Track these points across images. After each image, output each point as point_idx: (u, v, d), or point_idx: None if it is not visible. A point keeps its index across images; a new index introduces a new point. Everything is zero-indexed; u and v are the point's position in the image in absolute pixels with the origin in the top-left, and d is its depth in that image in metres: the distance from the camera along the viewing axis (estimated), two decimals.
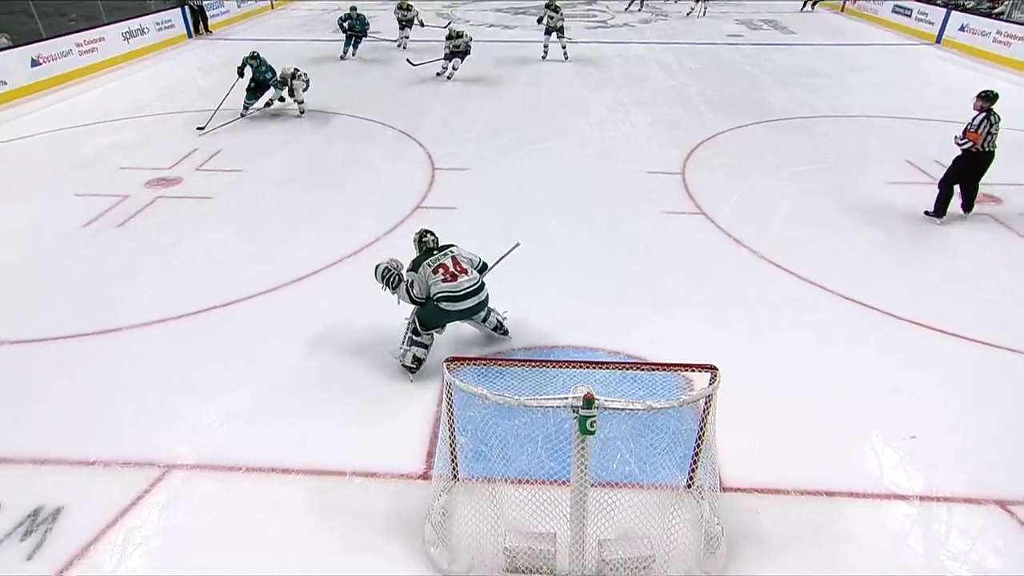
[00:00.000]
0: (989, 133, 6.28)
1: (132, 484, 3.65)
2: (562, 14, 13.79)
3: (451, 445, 3.44)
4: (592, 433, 2.69)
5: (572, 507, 2.90)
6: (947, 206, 6.71)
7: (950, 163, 6.68)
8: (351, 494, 3.62)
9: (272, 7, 21.76)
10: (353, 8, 13.96)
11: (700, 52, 15.47)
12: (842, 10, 21.47)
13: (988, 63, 14.07)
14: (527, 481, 3.38)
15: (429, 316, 4.42)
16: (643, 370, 3.42)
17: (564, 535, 3.03)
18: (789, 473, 3.73)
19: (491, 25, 19.18)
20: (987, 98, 6.28)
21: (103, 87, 12.36)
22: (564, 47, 14.08)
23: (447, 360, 3.14)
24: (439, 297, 4.32)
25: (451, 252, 4.49)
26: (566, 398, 2.69)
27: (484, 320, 4.69)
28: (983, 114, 6.28)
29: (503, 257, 4.90)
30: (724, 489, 3.57)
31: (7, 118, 10.40)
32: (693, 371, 3.16)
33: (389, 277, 4.51)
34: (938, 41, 16.13)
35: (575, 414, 2.68)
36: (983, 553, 3.31)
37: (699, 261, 6.14)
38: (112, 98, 11.54)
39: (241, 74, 10.02)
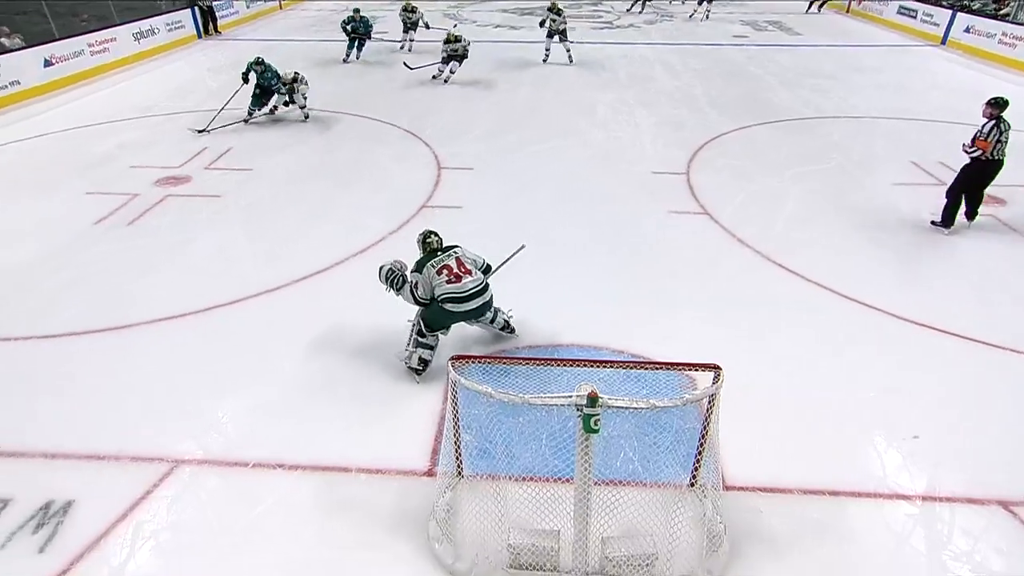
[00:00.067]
0: (999, 141, 6.11)
1: (141, 479, 3.70)
2: (564, 17, 13.68)
3: (456, 442, 3.46)
4: (596, 431, 2.71)
5: (576, 504, 2.91)
6: (955, 216, 6.58)
7: (958, 171, 6.54)
8: (357, 490, 3.65)
9: (280, 7, 21.82)
10: (356, 10, 13.88)
11: (705, 53, 15.47)
12: (847, 11, 21.41)
13: (993, 64, 14.03)
14: (531, 478, 3.39)
15: (434, 317, 4.43)
16: (647, 369, 3.43)
17: (568, 532, 3.04)
18: (792, 472, 3.75)
19: (497, 26, 19.20)
20: (997, 105, 6.12)
21: (114, 87, 12.44)
22: (568, 50, 13.93)
23: (452, 358, 3.16)
24: (443, 298, 4.32)
25: (455, 253, 4.49)
26: (570, 396, 2.70)
27: (492, 321, 4.71)
28: (993, 121, 6.11)
29: (508, 259, 4.92)
30: (727, 488, 3.58)
31: (20, 117, 10.48)
32: (696, 370, 3.16)
33: (393, 278, 4.51)
34: (943, 42, 16.08)
35: (579, 412, 2.69)
36: (985, 553, 3.31)
37: (703, 261, 6.15)
38: (122, 98, 11.61)
39: (246, 80, 9.93)
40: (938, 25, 16.45)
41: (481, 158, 8.76)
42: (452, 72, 12.37)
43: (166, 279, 5.86)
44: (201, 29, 16.82)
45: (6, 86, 10.97)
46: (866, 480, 3.74)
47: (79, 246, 6.45)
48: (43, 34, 12.18)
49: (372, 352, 4.79)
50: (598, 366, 3.33)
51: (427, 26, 14.61)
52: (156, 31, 15.00)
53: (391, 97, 11.70)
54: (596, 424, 2.69)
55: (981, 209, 6.65)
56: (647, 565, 3.06)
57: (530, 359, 3.41)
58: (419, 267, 4.42)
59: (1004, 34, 14.11)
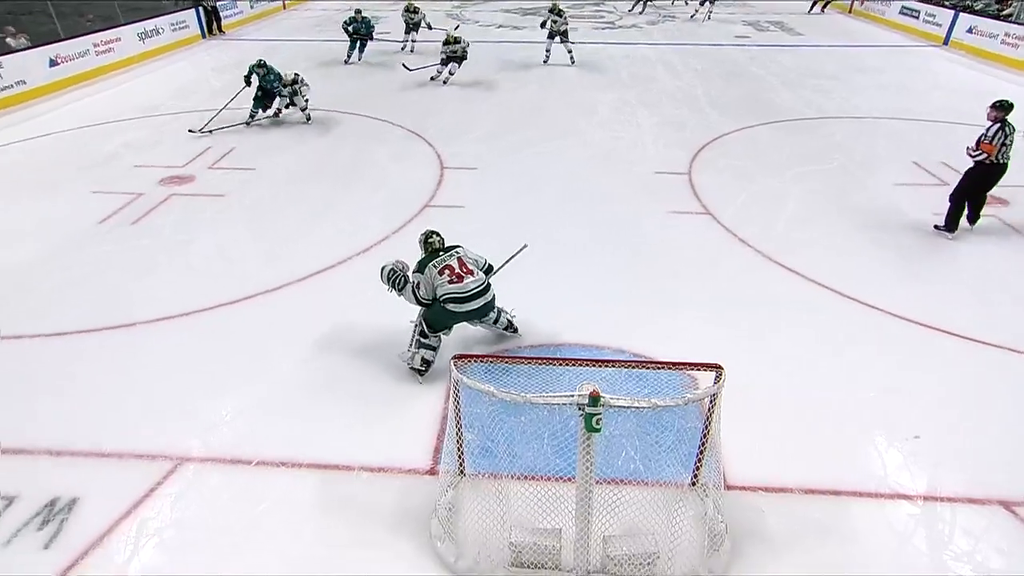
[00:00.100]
0: (1004, 144, 6.04)
1: (145, 476, 3.72)
2: (566, 18, 13.61)
3: (458, 441, 3.47)
4: (598, 430, 2.72)
5: (577, 503, 2.92)
6: (959, 221, 6.49)
7: (961, 175, 6.48)
8: (359, 489, 3.66)
9: (284, 7, 21.86)
10: (358, 11, 13.83)
11: (707, 53, 15.47)
12: (849, 11, 21.41)
13: (996, 65, 14.02)
14: (533, 477, 3.40)
15: (436, 318, 4.42)
16: (648, 368, 3.45)
17: (569, 531, 3.05)
18: (793, 472, 3.75)
19: (500, 26, 19.22)
20: (1002, 108, 6.04)
21: (118, 87, 12.48)
22: (570, 52, 13.85)
23: (454, 357, 3.17)
24: (445, 298, 4.32)
25: (457, 253, 4.48)
26: (572, 396, 2.71)
27: (495, 322, 4.70)
28: (997, 125, 6.04)
29: (510, 259, 4.90)
30: (728, 487, 3.59)
31: (26, 117, 10.52)
32: (698, 370, 3.17)
33: (395, 279, 4.51)
34: (946, 43, 16.07)
35: (581, 411, 2.70)
36: (986, 553, 3.32)
37: (704, 261, 6.16)
38: (127, 98, 11.66)
39: (248, 83, 9.84)
40: (940, 25, 16.44)
41: (484, 158, 8.78)
42: (451, 73, 12.31)
43: (170, 278, 5.89)
44: (205, 29, 16.86)
45: (11, 85, 11.02)
46: (867, 480, 3.75)
47: (83, 245, 6.48)
48: (48, 34, 12.23)
49: (374, 351, 4.80)
50: (600, 365, 3.34)
51: (429, 27, 14.59)
52: (161, 31, 15.05)
53: (394, 97, 11.71)
54: (598, 423, 2.70)
55: (984, 210, 6.63)
56: (648, 564, 3.07)
57: (532, 358, 3.41)
58: (421, 267, 4.41)
59: (1007, 35, 14.09)
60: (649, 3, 21.25)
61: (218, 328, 5.16)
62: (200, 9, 16.61)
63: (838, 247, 6.41)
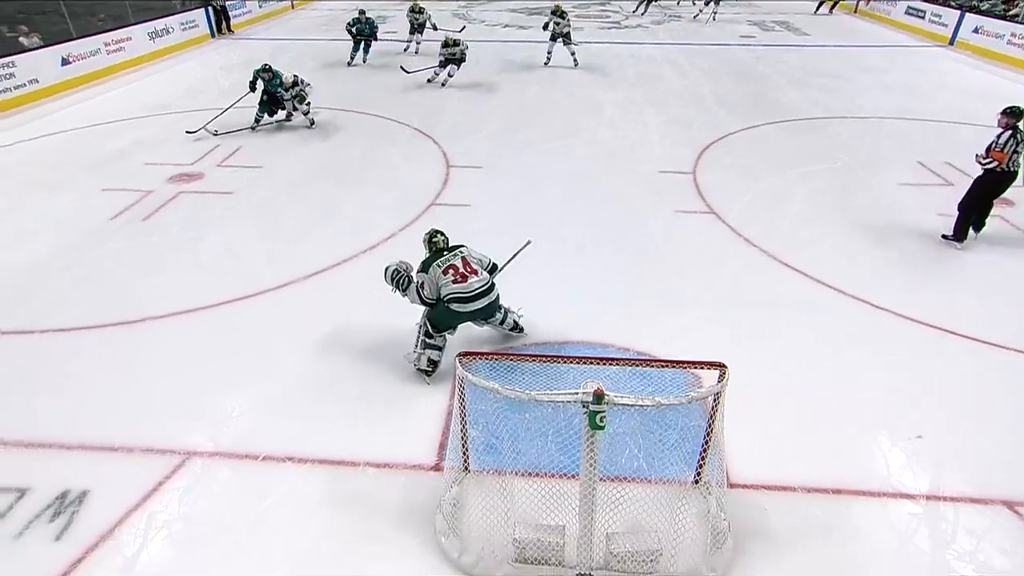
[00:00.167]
0: (1015, 152, 5.87)
1: (154, 470, 3.76)
2: (568, 20, 13.41)
3: (463, 438, 3.50)
4: (602, 428, 2.73)
5: (581, 500, 2.94)
6: (968, 230, 6.34)
7: (970, 184, 6.33)
8: (365, 484, 3.69)
9: (292, 7, 21.89)
10: (362, 12, 13.69)
11: (713, 53, 15.45)
12: (855, 11, 21.34)
13: (1002, 65, 13.97)
14: (537, 474, 3.42)
15: (440, 318, 4.42)
16: (652, 367, 3.46)
17: (573, 527, 3.07)
18: (796, 471, 3.77)
19: (506, 25, 19.23)
20: (1012, 114, 5.88)
21: (128, 86, 12.54)
22: (573, 53, 13.63)
23: (460, 355, 3.20)
24: (449, 298, 4.32)
25: (461, 253, 4.47)
26: (576, 393, 2.73)
27: (501, 323, 4.70)
28: (1008, 131, 5.86)
29: (514, 256, 4.91)
30: (731, 485, 3.60)
31: (38, 115, 10.59)
32: (702, 368, 3.19)
33: (399, 279, 4.49)
34: (951, 43, 16.01)
35: (585, 409, 2.72)
36: (989, 553, 3.32)
37: (709, 260, 6.17)
38: (137, 96, 11.72)
39: (253, 88, 9.62)
40: (946, 26, 16.37)
41: (490, 157, 8.80)
42: (450, 75, 12.12)
43: (179, 275, 5.93)
44: (214, 28, 16.91)
45: (24, 84, 11.10)
46: (870, 479, 3.75)
47: (94, 241, 6.53)
48: (61, 33, 12.31)
49: (380, 349, 4.82)
50: (604, 363, 3.35)
51: (435, 28, 14.49)
52: (170, 30, 15.12)
53: (400, 97, 11.72)
54: (602, 421, 2.71)
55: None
56: (651, 561, 3.08)
57: (537, 356, 3.44)
58: (425, 267, 4.40)
59: (1013, 35, 14.04)
60: (654, 3, 21.20)
61: (226, 325, 5.19)
62: (209, 9, 16.66)
63: (842, 247, 6.41)
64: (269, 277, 5.79)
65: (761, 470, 3.76)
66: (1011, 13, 14.84)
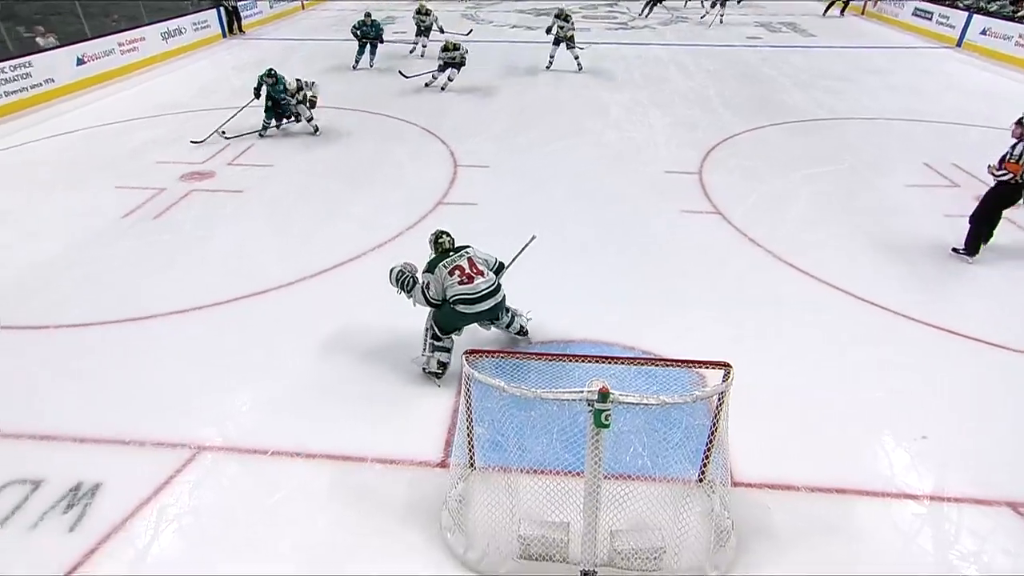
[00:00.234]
0: None
1: (165, 463, 3.81)
2: (573, 24, 13.27)
3: (469, 435, 3.51)
4: (606, 426, 2.74)
5: (585, 498, 2.95)
6: (980, 244, 6.16)
7: (982, 196, 6.17)
8: (372, 480, 3.72)
9: (303, 7, 22.01)
10: (368, 14, 13.55)
11: (719, 54, 15.44)
12: (862, 13, 21.27)
13: (1010, 67, 13.92)
14: (542, 471, 3.45)
15: (446, 319, 4.40)
16: (657, 366, 3.47)
17: (577, 525, 3.08)
18: (800, 470, 3.78)
19: (513, 26, 19.28)
20: None
21: (142, 85, 12.67)
22: (577, 58, 13.41)
23: (466, 352, 3.22)
24: (455, 299, 4.30)
25: (467, 253, 4.45)
26: (582, 392, 2.74)
27: (507, 326, 4.69)
28: (1023, 143, 5.69)
29: (520, 252, 4.88)
30: (735, 484, 3.61)
31: (54, 114, 10.71)
32: (707, 368, 3.21)
33: (404, 280, 4.47)
34: (959, 44, 15.95)
35: (590, 407, 2.73)
36: (993, 554, 3.33)
37: (714, 260, 6.18)
38: (150, 96, 11.84)
39: (257, 95, 9.44)
40: (954, 27, 16.31)
41: (497, 156, 8.84)
42: (450, 79, 11.98)
43: (190, 272, 5.98)
44: (226, 29, 17.03)
45: (40, 84, 11.23)
46: (873, 479, 3.76)
47: (108, 238, 6.61)
48: (76, 34, 12.45)
49: (388, 346, 4.86)
50: (609, 362, 3.36)
51: (441, 30, 14.44)
52: (183, 31, 15.26)
53: (408, 96, 11.75)
54: (607, 419, 2.73)
55: None
56: (655, 558, 3.09)
57: (542, 354, 3.46)
58: (431, 267, 4.39)
59: (1021, 36, 13.98)
60: (660, 4, 21.18)
61: (235, 322, 5.24)
62: (221, 9, 16.77)
63: (847, 248, 6.41)
64: (278, 275, 5.83)
65: (765, 469, 3.78)
66: (1019, 15, 14.77)
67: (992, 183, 6.05)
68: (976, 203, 6.28)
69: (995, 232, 6.33)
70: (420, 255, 4.68)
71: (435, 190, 7.70)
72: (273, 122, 9.63)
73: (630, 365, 3.43)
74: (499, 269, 4.65)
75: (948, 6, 16.89)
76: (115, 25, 13.66)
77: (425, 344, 4.50)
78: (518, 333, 4.83)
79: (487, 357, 3.33)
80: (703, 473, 3.53)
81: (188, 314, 5.31)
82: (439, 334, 4.45)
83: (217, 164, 8.56)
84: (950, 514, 3.55)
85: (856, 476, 3.77)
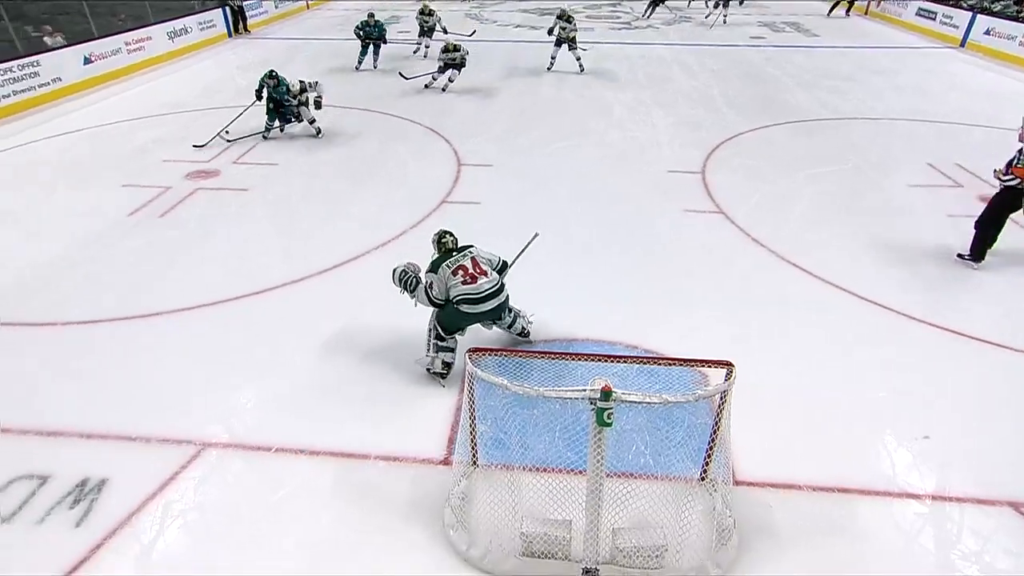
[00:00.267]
0: None
1: (170, 460, 3.84)
2: (575, 25, 13.16)
3: (472, 432, 3.53)
4: (609, 425, 2.75)
5: (588, 496, 2.96)
6: (986, 250, 6.06)
7: (988, 201, 6.08)
8: (375, 478, 3.74)
9: (308, 7, 22.05)
10: (371, 15, 13.46)
11: (722, 54, 15.43)
12: (866, 13, 21.22)
13: (1014, 67, 13.88)
14: (544, 469, 3.46)
15: (449, 319, 4.40)
16: (660, 365, 3.47)
17: (579, 522, 3.09)
18: (802, 469, 3.78)
19: (517, 26, 19.29)
20: None
21: (148, 84, 12.74)
22: (579, 59, 13.29)
23: (469, 351, 3.23)
24: (459, 299, 4.29)
25: (470, 253, 4.44)
26: (584, 390, 2.75)
27: (509, 326, 4.70)
28: None
29: (523, 250, 4.88)
30: (737, 483, 3.62)
31: (61, 113, 10.77)
32: (709, 367, 3.21)
33: (407, 280, 4.47)
34: (963, 44, 15.90)
35: (593, 406, 2.74)
36: (995, 554, 3.33)
37: (717, 260, 6.18)
38: (156, 95, 11.89)
39: (259, 97, 9.37)
40: (957, 27, 16.26)
41: (500, 155, 8.85)
42: (451, 80, 11.94)
43: (195, 269, 6.02)
44: (231, 28, 17.09)
45: (48, 83, 11.31)
46: (876, 478, 3.76)
47: (114, 236, 6.65)
48: (83, 33, 12.54)
49: (392, 344, 4.87)
50: (612, 361, 3.37)
51: (444, 31, 14.40)
52: (189, 30, 15.35)
53: (411, 96, 11.76)
54: (609, 417, 2.73)
55: None
56: (656, 557, 3.09)
57: (545, 353, 3.47)
58: (434, 267, 4.38)
59: None
60: (663, 3, 21.14)
61: (241, 319, 5.27)
62: (226, 9, 16.83)
63: (851, 248, 6.40)
64: (282, 273, 5.86)
65: (767, 468, 3.78)
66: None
67: (996, 187, 6.00)
68: (980, 203, 6.26)
69: (999, 236, 6.27)
70: (423, 254, 4.68)
71: (439, 189, 7.72)
72: (276, 124, 9.54)
73: (632, 364, 3.43)
74: (502, 268, 4.65)
75: (952, 6, 16.85)
76: (122, 25, 13.77)
77: (429, 345, 4.50)
78: (519, 335, 4.83)
79: (490, 355, 3.34)
80: (705, 472, 3.54)
81: (193, 311, 5.34)
82: (443, 334, 4.44)
83: (222, 163, 8.60)
84: (952, 514, 3.55)
85: (859, 475, 3.77)
